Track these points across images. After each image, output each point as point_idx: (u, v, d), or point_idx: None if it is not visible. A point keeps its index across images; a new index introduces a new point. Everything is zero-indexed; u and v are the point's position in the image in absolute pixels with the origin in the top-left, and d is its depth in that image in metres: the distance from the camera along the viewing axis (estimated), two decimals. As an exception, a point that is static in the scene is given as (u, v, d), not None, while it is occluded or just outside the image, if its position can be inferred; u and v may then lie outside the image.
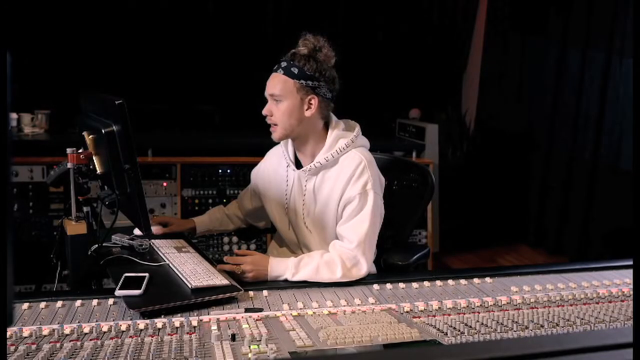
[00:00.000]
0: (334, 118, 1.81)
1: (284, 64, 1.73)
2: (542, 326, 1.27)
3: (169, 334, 1.21)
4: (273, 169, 1.94)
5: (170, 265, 1.62)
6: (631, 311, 1.36)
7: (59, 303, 1.40)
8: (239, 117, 4.46)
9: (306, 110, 1.74)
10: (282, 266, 1.64)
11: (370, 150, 1.84)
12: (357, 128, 1.82)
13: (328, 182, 1.77)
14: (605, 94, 3.87)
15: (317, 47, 1.74)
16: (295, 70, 1.71)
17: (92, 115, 1.72)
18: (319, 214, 1.79)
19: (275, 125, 1.76)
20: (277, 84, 1.73)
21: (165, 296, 1.39)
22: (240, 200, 2.13)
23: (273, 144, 1.96)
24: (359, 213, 1.70)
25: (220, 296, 1.42)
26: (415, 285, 1.59)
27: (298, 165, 1.84)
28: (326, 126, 1.80)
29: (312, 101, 1.74)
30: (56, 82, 3.84)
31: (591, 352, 0.71)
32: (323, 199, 1.78)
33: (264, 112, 1.77)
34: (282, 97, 1.72)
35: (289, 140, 1.87)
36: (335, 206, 1.75)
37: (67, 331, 1.22)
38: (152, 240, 1.83)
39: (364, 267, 1.65)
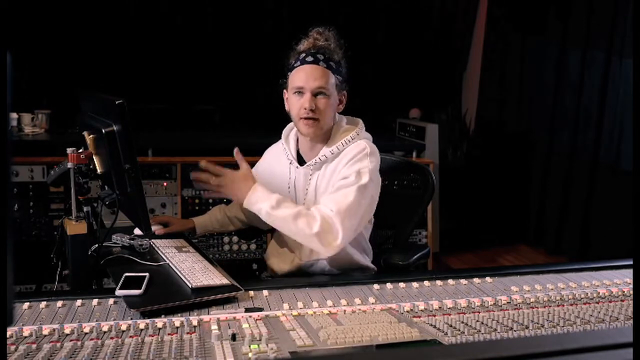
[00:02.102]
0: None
1: (321, 57, 1.69)
2: (542, 326, 1.27)
3: (169, 334, 1.21)
4: (273, 168, 1.92)
5: (171, 265, 1.62)
6: (631, 311, 1.36)
7: (59, 303, 1.39)
8: (238, 116, 4.48)
9: (338, 106, 1.76)
10: (263, 196, 1.60)
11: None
12: (361, 123, 1.83)
13: (331, 173, 1.75)
14: (605, 94, 3.86)
15: (338, 43, 1.74)
16: (334, 65, 1.70)
17: (93, 115, 1.72)
18: None
19: (316, 120, 1.69)
20: (323, 77, 1.68)
21: (165, 296, 1.39)
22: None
23: (272, 142, 1.96)
24: (346, 188, 1.66)
25: (220, 296, 1.42)
26: (415, 285, 1.59)
27: (300, 161, 1.83)
28: None
29: (343, 98, 1.77)
30: (56, 82, 3.85)
31: (591, 352, 0.71)
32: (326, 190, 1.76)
33: (309, 105, 1.66)
34: (328, 92, 1.69)
35: (291, 137, 1.86)
36: None
37: (67, 331, 1.22)
38: (152, 240, 1.83)
39: (339, 237, 1.59)
